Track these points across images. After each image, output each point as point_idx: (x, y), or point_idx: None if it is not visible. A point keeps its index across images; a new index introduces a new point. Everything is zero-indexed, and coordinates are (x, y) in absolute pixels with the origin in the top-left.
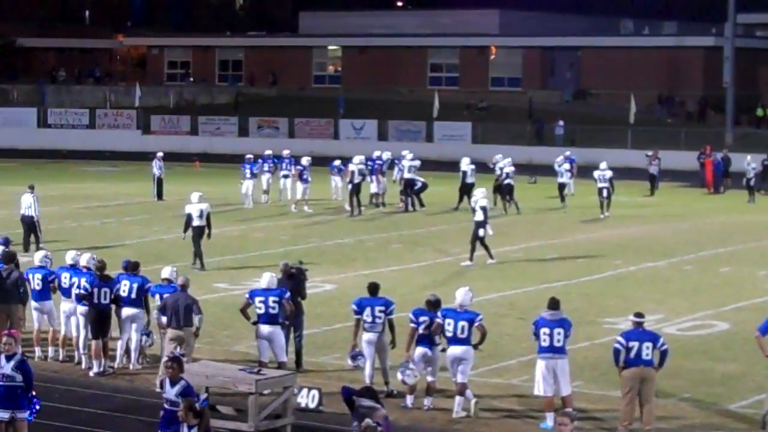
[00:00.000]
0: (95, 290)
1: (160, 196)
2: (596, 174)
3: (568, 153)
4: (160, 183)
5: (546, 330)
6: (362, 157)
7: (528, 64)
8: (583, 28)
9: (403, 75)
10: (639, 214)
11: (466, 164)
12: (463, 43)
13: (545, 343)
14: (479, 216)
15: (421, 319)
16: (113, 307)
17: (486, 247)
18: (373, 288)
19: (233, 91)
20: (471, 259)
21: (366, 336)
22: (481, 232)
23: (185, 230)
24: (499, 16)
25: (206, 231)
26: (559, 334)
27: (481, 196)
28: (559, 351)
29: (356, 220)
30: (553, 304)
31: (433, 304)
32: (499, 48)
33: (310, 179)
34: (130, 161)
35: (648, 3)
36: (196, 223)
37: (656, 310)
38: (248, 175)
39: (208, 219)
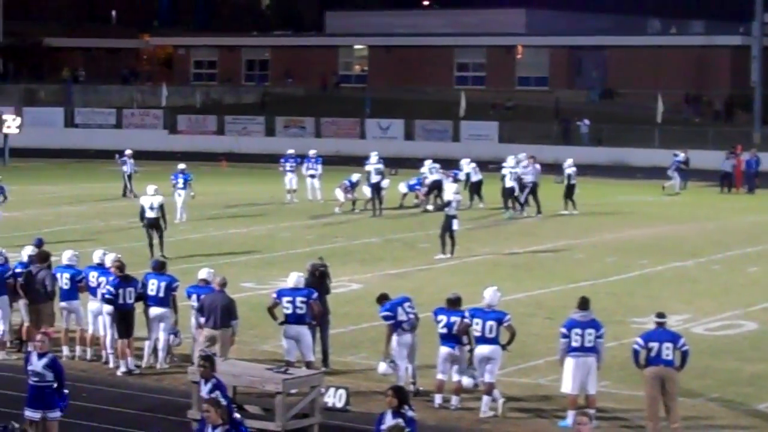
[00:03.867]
0: (119, 291)
1: (124, 194)
2: (570, 171)
3: (679, 154)
4: (129, 181)
5: (578, 330)
6: (377, 156)
7: (555, 64)
8: (609, 28)
9: (430, 74)
10: (666, 213)
11: (466, 164)
12: (489, 43)
13: (576, 343)
14: (452, 210)
15: (439, 317)
16: (136, 306)
17: (452, 241)
18: (384, 297)
19: (260, 90)
20: (444, 252)
21: (403, 337)
22: (454, 224)
23: (141, 219)
24: (525, 15)
25: (160, 223)
26: (590, 334)
27: (453, 191)
28: (590, 350)
29: (382, 219)
30: (583, 304)
31: (454, 302)
32: (526, 47)
33: (355, 194)
34: (157, 161)
35: (675, 2)
36: (149, 215)
37: (684, 310)
38: (288, 168)
39: (162, 211)
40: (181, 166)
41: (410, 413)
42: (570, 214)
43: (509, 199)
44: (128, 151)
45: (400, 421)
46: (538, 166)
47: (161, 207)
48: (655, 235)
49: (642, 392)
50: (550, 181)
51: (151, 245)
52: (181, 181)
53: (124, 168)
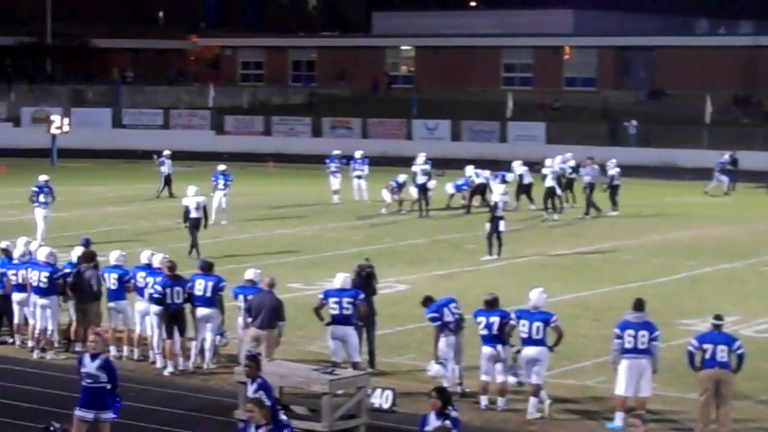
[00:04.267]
0: (167, 291)
1: (171, 194)
2: (613, 172)
3: (724, 155)
4: (168, 181)
5: (631, 332)
6: (424, 157)
7: (602, 64)
8: (658, 28)
9: (477, 75)
10: (715, 215)
11: (518, 166)
12: (536, 43)
13: (629, 345)
14: (500, 211)
15: (479, 319)
16: (186, 306)
17: (499, 242)
18: (429, 299)
19: (306, 91)
20: (491, 253)
21: (449, 338)
22: (501, 226)
23: (185, 221)
24: (573, 15)
25: (203, 222)
26: (643, 336)
27: (500, 192)
28: (644, 352)
29: (429, 219)
30: (638, 306)
31: (491, 303)
32: (573, 48)
33: (401, 194)
34: (204, 161)
35: (724, 2)
36: (193, 215)
37: (733, 312)
38: (333, 169)
39: (204, 211)
40: (221, 167)
41: (454, 413)
42: (617, 215)
43: (549, 200)
44: (167, 152)
45: (447, 422)
46: (596, 167)
47: (204, 207)
48: (703, 236)
49: (691, 394)
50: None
51: (194, 244)
52: (221, 182)
53: (163, 168)
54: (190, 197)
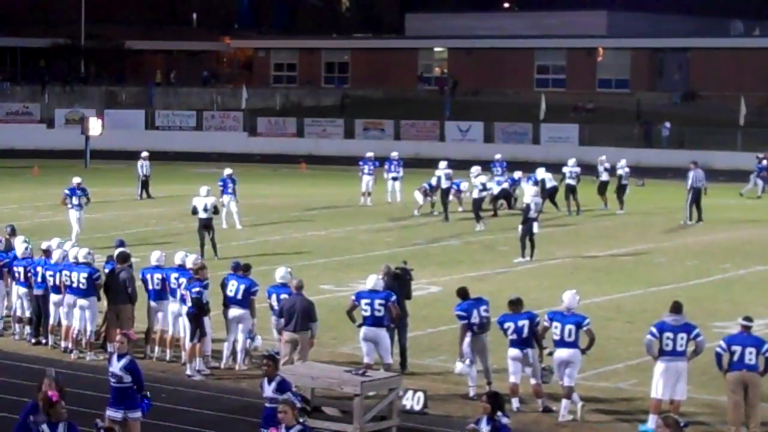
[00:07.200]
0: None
1: (146, 194)
2: (622, 171)
3: (765, 161)
4: (145, 183)
5: (669, 334)
6: (446, 163)
7: (636, 66)
8: (692, 29)
9: (510, 77)
10: (749, 217)
11: (542, 172)
12: (570, 45)
13: (668, 348)
14: (533, 213)
15: (507, 324)
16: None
17: (532, 245)
18: (464, 292)
19: (339, 93)
20: (523, 255)
21: (473, 338)
22: (534, 228)
23: (193, 213)
24: (606, 17)
25: (213, 224)
26: (682, 339)
27: (533, 193)
28: (681, 354)
29: (461, 221)
30: (676, 308)
31: (515, 303)
32: (607, 49)
33: (434, 196)
34: (237, 163)
35: (758, 3)
36: (201, 216)
37: (766, 315)
38: (367, 171)
39: (215, 211)
40: (228, 170)
41: (504, 420)
42: (624, 213)
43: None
44: (144, 153)
45: (472, 425)
46: (700, 171)
47: (215, 207)
48: (737, 238)
49: (723, 397)
50: (632, 183)
51: (202, 245)
52: (230, 186)
53: (140, 171)
54: (201, 197)
